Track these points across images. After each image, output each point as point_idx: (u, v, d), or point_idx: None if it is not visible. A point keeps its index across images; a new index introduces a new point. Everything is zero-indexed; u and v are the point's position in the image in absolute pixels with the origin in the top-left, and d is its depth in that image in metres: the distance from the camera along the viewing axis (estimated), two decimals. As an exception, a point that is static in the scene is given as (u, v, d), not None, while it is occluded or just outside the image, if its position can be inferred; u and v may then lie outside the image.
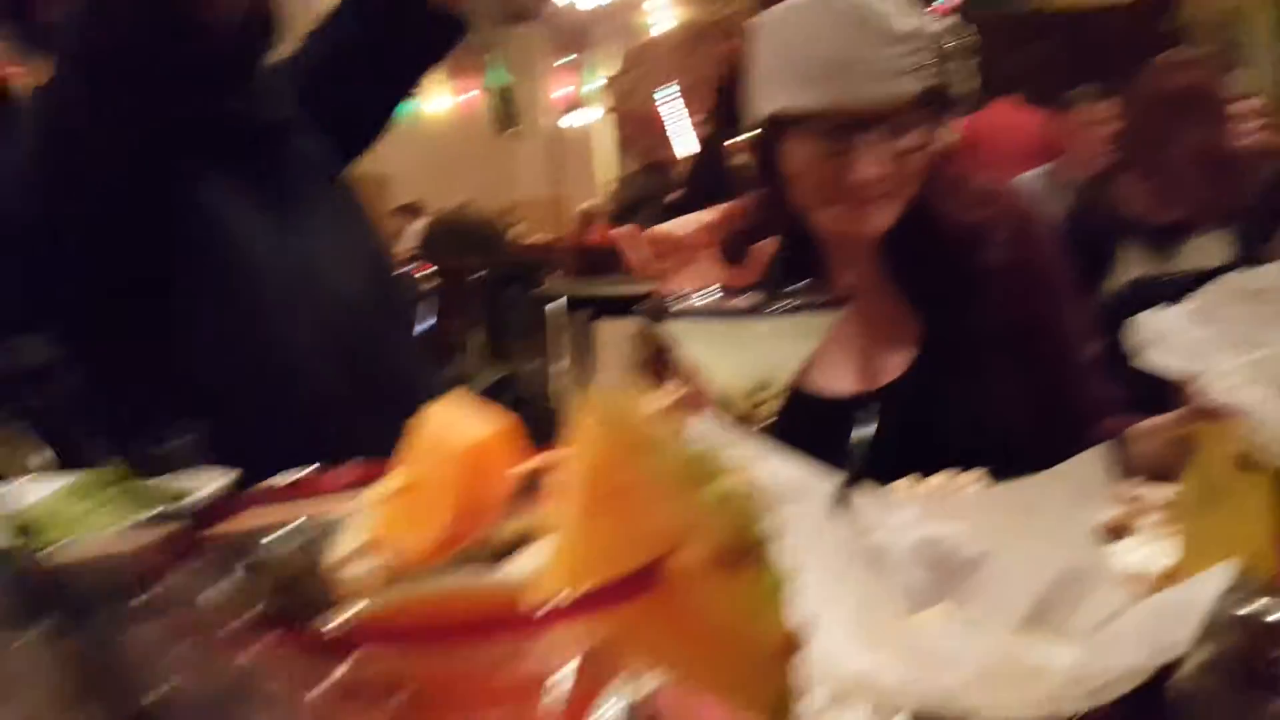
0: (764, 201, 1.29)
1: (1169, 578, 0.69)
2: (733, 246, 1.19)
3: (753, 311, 0.97)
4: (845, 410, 1.21)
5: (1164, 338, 0.63)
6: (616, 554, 0.38)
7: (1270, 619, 0.49)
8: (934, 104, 1.18)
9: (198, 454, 1.05)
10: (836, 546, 0.54)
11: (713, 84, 9.41)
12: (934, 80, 1.14)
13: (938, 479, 0.97)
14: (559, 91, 16.24)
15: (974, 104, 1.27)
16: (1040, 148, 4.51)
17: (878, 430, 1.19)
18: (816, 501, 0.62)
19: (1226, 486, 0.61)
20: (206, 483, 1.00)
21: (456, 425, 0.73)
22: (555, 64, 15.50)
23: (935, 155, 1.23)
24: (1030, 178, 4.20)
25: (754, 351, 0.96)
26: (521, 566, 0.60)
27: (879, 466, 1.08)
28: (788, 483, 0.64)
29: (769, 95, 1.19)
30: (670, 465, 0.40)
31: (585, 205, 14.61)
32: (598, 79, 14.69)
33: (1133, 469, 1.03)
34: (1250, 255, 1.83)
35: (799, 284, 1.01)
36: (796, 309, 0.96)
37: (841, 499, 0.72)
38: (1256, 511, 0.58)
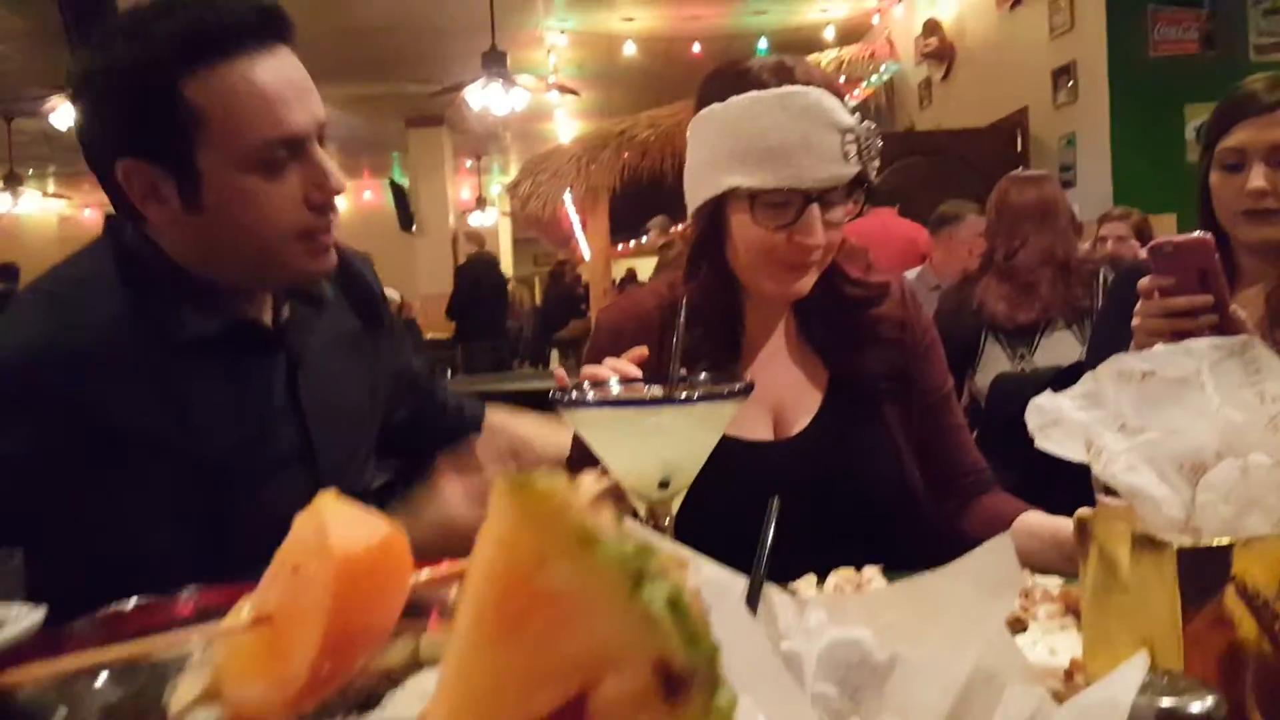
0: (700, 272, 1.37)
1: (1079, 668, 0.65)
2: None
3: (657, 402, 0.92)
4: (764, 456, 1.31)
5: (1057, 422, 0.60)
6: (526, 689, 0.29)
7: (1193, 711, 0.46)
8: (857, 186, 1.30)
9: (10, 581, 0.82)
10: (758, 659, 0.49)
11: (607, 192, 9.58)
12: (860, 167, 1.27)
13: (837, 577, 0.93)
14: (464, 193, 16.36)
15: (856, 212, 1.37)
16: (912, 254, 4.71)
17: (791, 476, 1.28)
18: (735, 607, 0.56)
19: (1126, 571, 0.58)
20: (10, 619, 0.72)
21: (328, 535, 0.54)
22: (464, 165, 15.66)
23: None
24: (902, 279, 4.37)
25: (663, 442, 0.91)
26: (402, 714, 0.50)
27: (792, 513, 1.15)
28: (709, 585, 0.59)
29: (723, 175, 1.28)
30: (603, 567, 0.30)
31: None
32: (499, 183, 14.86)
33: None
34: (1097, 352, 1.91)
35: (701, 375, 0.97)
36: (700, 399, 0.92)
37: (752, 600, 0.66)
38: (1158, 594, 0.55)
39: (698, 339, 1.29)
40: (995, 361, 3.05)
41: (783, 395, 1.40)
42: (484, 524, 0.33)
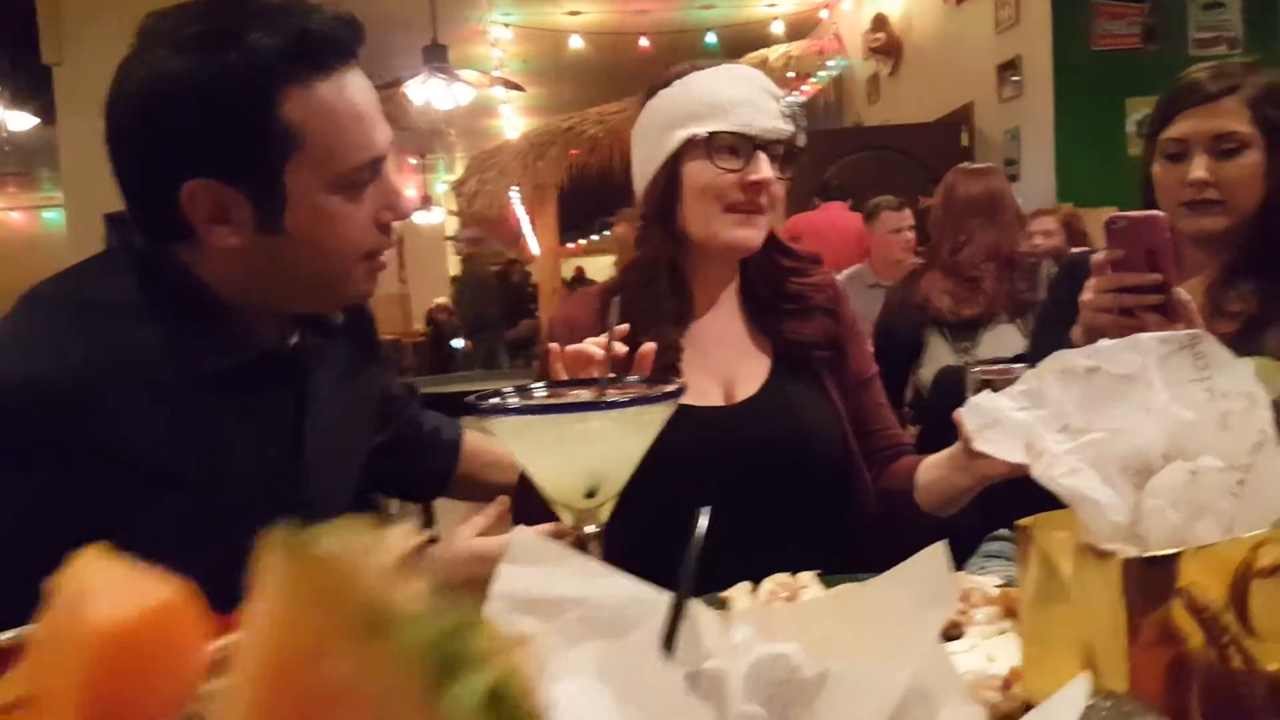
0: (655, 235, 1.47)
1: (1017, 678, 0.62)
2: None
3: (584, 407, 0.88)
4: (716, 421, 1.40)
5: (996, 422, 0.57)
6: None
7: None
8: (791, 151, 1.45)
9: None
10: (660, 692, 0.44)
11: (555, 190, 9.52)
12: (793, 130, 1.43)
13: (771, 583, 0.90)
14: (409, 191, 16.22)
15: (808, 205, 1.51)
16: (862, 247, 4.73)
17: (743, 440, 1.40)
18: (642, 642, 0.51)
19: (1068, 580, 0.55)
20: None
21: (85, 604, 0.45)
22: (408, 163, 15.48)
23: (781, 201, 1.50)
24: (838, 279, 4.40)
25: (590, 449, 0.87)
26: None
27: (745, 477, 1.37)
28: (615, 613, 0.55)
29: (678, 131, 1.42)
30: (399, 657, 0.24)
31: (436, 300, 14.47)
32: (445, 181, 14.71)
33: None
34: (1038, 345, 1.92)
35: (630, 378, 0.94)
36: (628, 403, 0.88)
37: (675, 619, 0.62)
38: (1101, 606, 0.52)
39: (649, 304, 1.41)
40: (939, 355, 3.06)
41: (731, 361, 1.50)
42: (252, 597, 0.26)
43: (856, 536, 1.46)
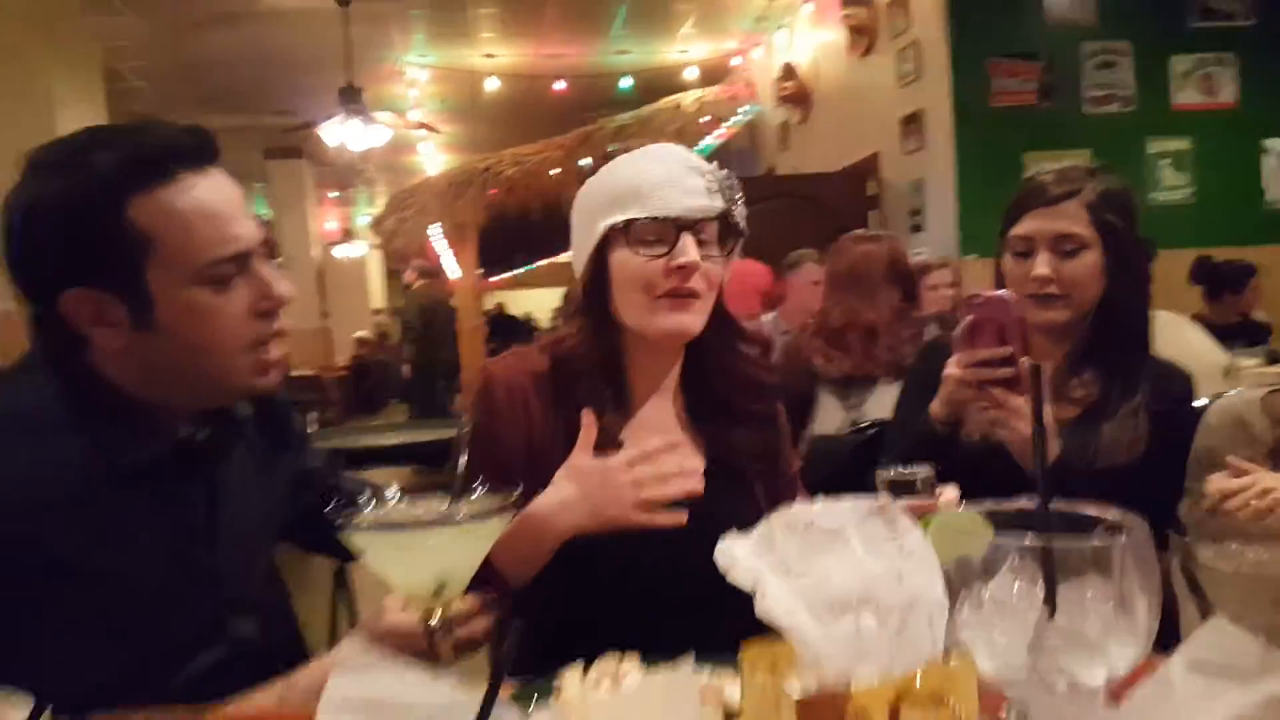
0: (591, 325, 1.46)
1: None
2: None
3: (430, 523, 0.98)
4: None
5: (735, 562, 0.70)
6: None
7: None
8: (726, 229, 1.43)
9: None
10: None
11: (475, 228, 9.57)
12: (725, 205, 1.40)
13: (596, 670, 1.01)
14: (329, 224, 16.08)
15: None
16: (757, 293, 4.99)
17: (673, 550, 1.32)
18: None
19: (771, 699, 0.67)
20: None
21: None
22: (327, 196, 15.39)
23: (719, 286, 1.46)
24: (761, 322, 4.64)
25: (433, 558, 0.98)
26: None
27: (675, 579, 1.31)
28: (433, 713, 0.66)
29: (600, 220, 1.41)
30: None
31: (359, 334, 14.34)
32: (367, 214, 14.66)
33: None
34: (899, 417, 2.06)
35: (478, 485, 1.04)
36: (470, 518, 0.98)
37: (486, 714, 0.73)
38: None
39: (585, 395, 1.40)
40: (830, 411, 3.20)
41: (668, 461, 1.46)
42: None
43: None
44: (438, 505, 1.03)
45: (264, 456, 1.38)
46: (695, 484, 1.30)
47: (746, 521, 1.41)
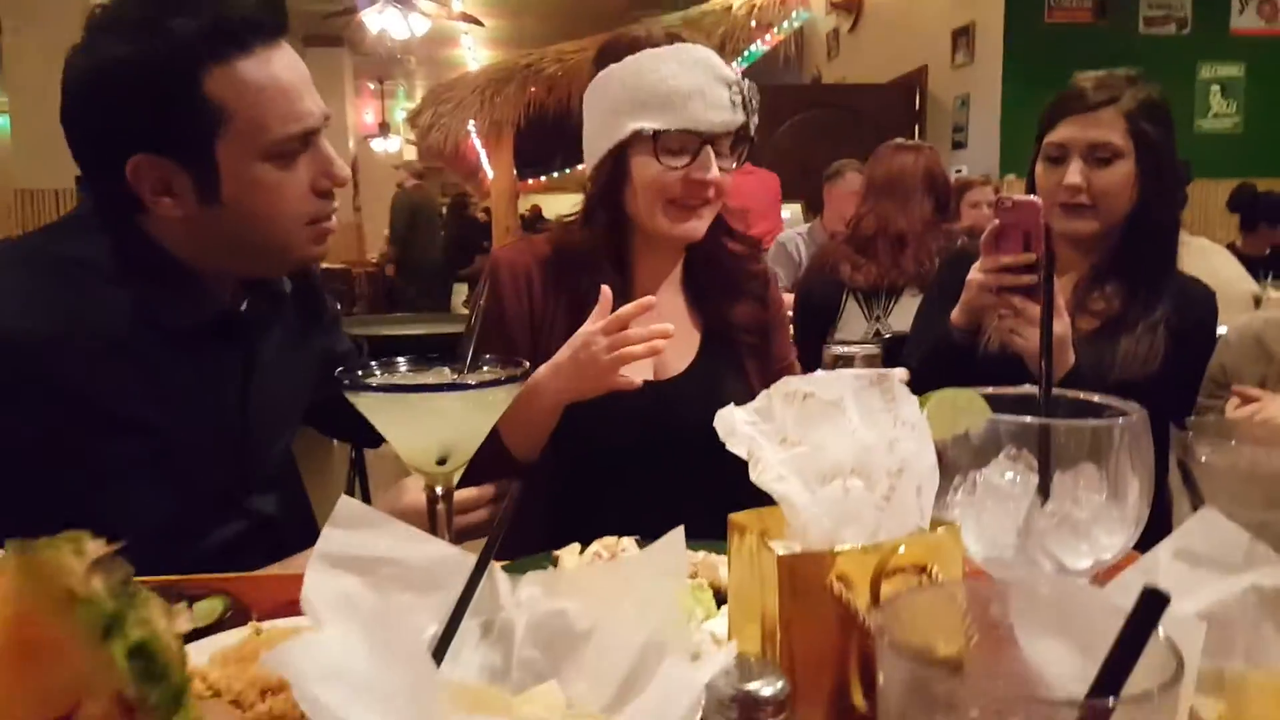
0: (598, 219, 1.49)
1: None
2: None
3: (438, 388, 1.00)
4: (640, 394, 1.37)
5: (733, 430, 0.70)
6: (23, 710, 0.37)
7: (761, 694, 0.56)
8: (741, 141, 1.46)
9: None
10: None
11: (512, 127, 9.44)
12: (745, 118, 1.42)
13: (598, 545, 1.03)
14: (367, 116, 15.95)
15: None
16: (773, 198, 5.11)
17: (663, 416, 1.42)
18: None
19: (758, 567, 0.68)
20: None
21: None
22: (367, 87, 15.22)
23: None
24: (791, 234, 4.62)
25: (440, 424, 0.99)
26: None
27: (664, 448, 1.41)
28: (425, 571, 0.68)
29: (626, 121, 1.41)
30: (80, 621, 0.39)
31: (389, 230, 14.33)
32: (404, 109, 14.50)
33: None
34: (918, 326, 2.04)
35: (486, 358, 1.05)
36: (481, 385, 1.00)
37: (477, 575, 0.75)
38: (770, 591, 0.65)
39: (588, 288, 1.40)
40: (854, 321, 3.20)
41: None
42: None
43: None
44: (448, 374, 1.04)
45: (298, 335, 1.41)
46: (660, 346, 1.30)
47: (738, 393, 1.48)
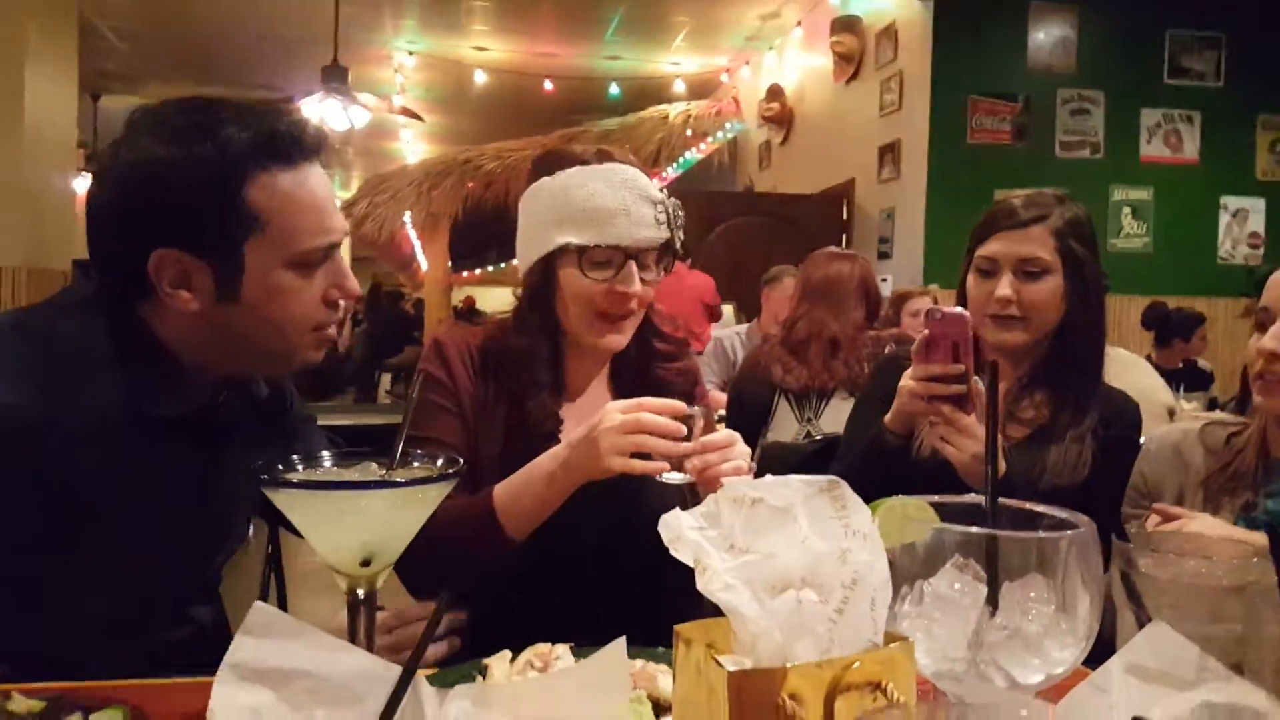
0: (534, 322, 1.53)
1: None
2: None
3: (360, 485, 0.94)
4: (574, 498, 1.36)
5: (679, 536, 0.68)
6: None
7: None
8: (666, 253, 1.51)
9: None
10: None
11: (447, 220, 9.50)
12: (669, 234, 1.47)
13: (530, 653, 0.98)
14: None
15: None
16: (700, 302, 5.16)
17: (593, 520, 1.39)
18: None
19: (705, 682, 0.64)
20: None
21: None
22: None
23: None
24: (729, 333, 4.70)
25: (363, 524, 0.93)
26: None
27: (590, 554, 1.41)
28: (342, 685, 0.63)
29: (554, 234, 1.46)
30: None
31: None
32: (341, 197, 14.50)
33: None
34: (850, 430, 2.05)
35: (416, 454, 1.00)
36: (410, 482, 0.95)
37: (400, 691, 0.70)
38: (719, 708, 0.62)
39: (525, 384, 1.48)
40: (786, 422, 3.22)
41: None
42: None
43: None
44: (375, 470, 0.99)
45: (262, 439, 1.38)
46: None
47: (658, 499, 1.36)
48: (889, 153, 6.53)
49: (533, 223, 1.52)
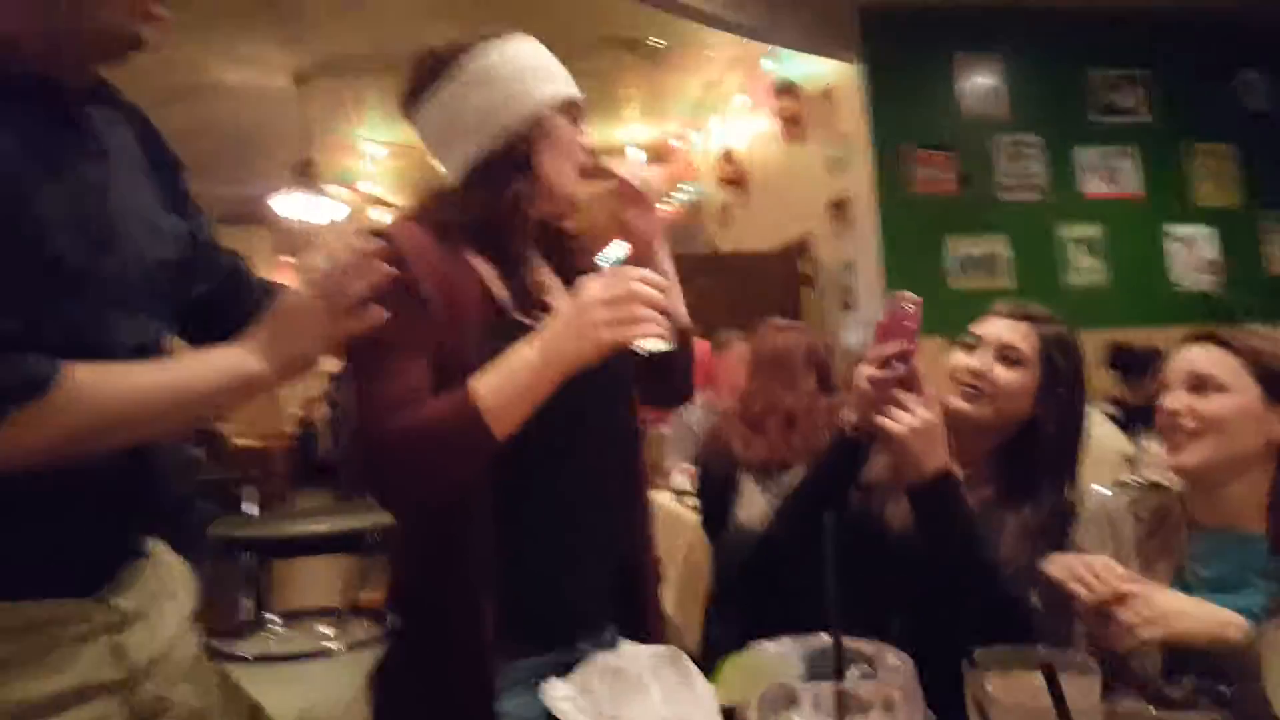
0: (523, 186, 1.38)
1: None
2: None
3: (305, 656, 1.02)
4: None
5: (556, 704, 0.75)
6: None
7: None
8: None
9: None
10: None
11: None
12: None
13: None
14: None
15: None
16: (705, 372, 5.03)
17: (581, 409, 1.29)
18: None
19: None
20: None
21: None
22: (282, 261, 15.26)
23: None
24: (692, 409, 4.68)
25: (300, 690, 1.02)
26: None
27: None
28: None
29: (545, 84, 1.39)
30: None
31: (311, 395, 13.97)
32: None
33: None
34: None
35: (366, 616, 1.08)
36: (349, 648, 1.03)
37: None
38: None
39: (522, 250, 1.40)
40: (751, 496, 3.20)
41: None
42: None
43: None
44: (319, 630, 1.06)
45: (149, 164, 1.33)
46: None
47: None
48: (840, 208, 6.66)
49: (500, 86, 1.36)
